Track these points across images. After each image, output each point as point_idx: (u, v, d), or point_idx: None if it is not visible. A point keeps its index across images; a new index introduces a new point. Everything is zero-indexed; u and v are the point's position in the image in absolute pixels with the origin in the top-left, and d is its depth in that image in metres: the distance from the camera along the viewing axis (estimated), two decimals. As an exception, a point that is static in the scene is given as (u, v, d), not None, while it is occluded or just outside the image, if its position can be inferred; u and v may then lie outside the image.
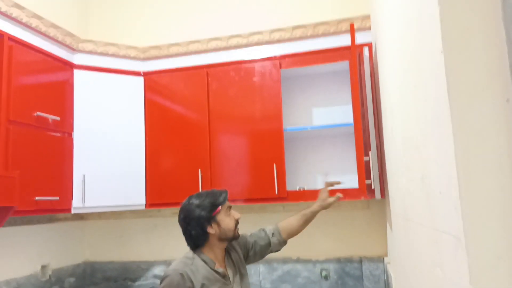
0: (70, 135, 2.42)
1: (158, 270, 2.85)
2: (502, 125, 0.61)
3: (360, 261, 2.56)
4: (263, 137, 2.43)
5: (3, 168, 1.94)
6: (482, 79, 0.63)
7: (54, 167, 2.27)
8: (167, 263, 2.84)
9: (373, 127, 2.27)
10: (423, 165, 0.91)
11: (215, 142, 2.51)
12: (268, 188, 2.37)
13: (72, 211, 2.38)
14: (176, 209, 2.81)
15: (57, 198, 2.24)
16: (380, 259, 2.53)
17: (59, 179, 2.31)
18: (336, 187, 2.11)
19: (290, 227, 2.02)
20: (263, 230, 2.01)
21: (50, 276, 2.59)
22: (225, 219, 1.75)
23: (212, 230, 1.72)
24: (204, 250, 1.75)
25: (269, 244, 1.97)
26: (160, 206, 2.63)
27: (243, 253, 1.92)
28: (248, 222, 2.77)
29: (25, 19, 2.14)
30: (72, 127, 2.43)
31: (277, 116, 2.42)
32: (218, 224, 1.73)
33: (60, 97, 2.39)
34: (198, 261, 1.71)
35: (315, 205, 2.04)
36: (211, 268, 1.71)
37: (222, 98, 2.54)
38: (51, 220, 2.65)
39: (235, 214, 1.79)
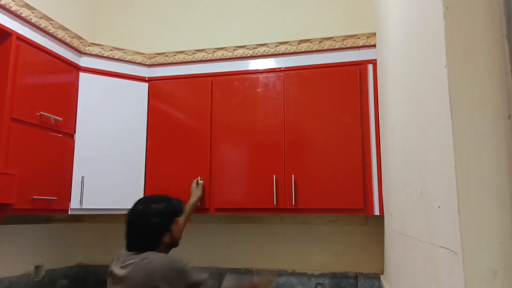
0: (72, 136, 2.43)
1: (152, 277, 2.83)
2: (502, 141, 0.62)
3: (356, 277, 2.54)
4: (264, 148, 2.44)
5: (3, 165, 1.94)
6: (484, 95, 0.63)
7: (54, 167, 2.27)
8: (161, 270, 2.82)
9: (375, 143, 2.28)
10: (423, 180, 0.91)
11: (216, 150, 2.51)
12: (267, 199, 2.36)
13: (69, 212, 2.37)
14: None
15: (55, 198, 2.24)
16: (376, 276, 2.51)
17: (58, 179, 2.30)
18: None
19: None
20: None
21: (43, 276, 2.57)
22: (177, 229, 1.81)
23: (165, 238, 1.77)
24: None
25: None
26: (158, 212, 2.62)
27: None
28: (245, 233, 2.77)
29: (34, 20, 2.16)
30: (75, 128, 2.44)
31: (279, 127, 2.43)
32: (171, 233, 1.79)
33: (64, 98, 2.40)
34: None
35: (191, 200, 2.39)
36: None
37: (225, 107, 2.55)
38: (47, 221, 2.64)
39: (182, 223, 1.87)
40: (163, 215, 1.79)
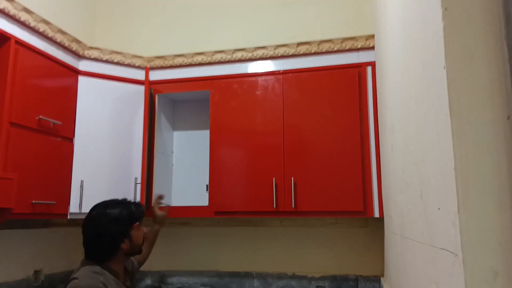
0: (71, 140, 2.42)
1: (152, 281, 2.82)
2: (502, 142, 0.61)
3: (356, 279, 2.54)
4: (264, 151, 2.43)
5: (2, 169, 1.93)
6: (484, 96, 0.63)
7: (53, 171, 2.26)
8: (161, 274, 2.82)
9: (374, 145, 2.29)
10: (422, 181, 0.91)
11: (215, 152, 2.51)
12: (267, 202, 2.36)
13: (68, 217, 2.36)
14: (174, 220, 2.82)
15: (54, 202, 2.23)
16: (376, 279, 2.51)
17: (57, 183, 2.30)
18: None
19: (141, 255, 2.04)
20: None
21: (42, 281, 2.56)
22: (137, 234, 1.75)
23: (124, 245, 1.70)
24: (112, 264, 1.69)
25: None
26: (157, 216, 2.61)
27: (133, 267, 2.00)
28: (245, 236, 2.76)
29: (33, 24, 2.16)
30: (74, 132, 2.43)
31: (278, 130, 2.43)
32: (131, 240, 1.72)
33: (63, 102, 2.39)
34: (108, 275, 1.64)
35: (155, 226, 2.29)
36: (122, 283, 1.70)
37: (225, 109, 2.55)
38: (46, 225, 2.64)
39: (143, 228, 1.81)
40: (119, 221, 1.70)
